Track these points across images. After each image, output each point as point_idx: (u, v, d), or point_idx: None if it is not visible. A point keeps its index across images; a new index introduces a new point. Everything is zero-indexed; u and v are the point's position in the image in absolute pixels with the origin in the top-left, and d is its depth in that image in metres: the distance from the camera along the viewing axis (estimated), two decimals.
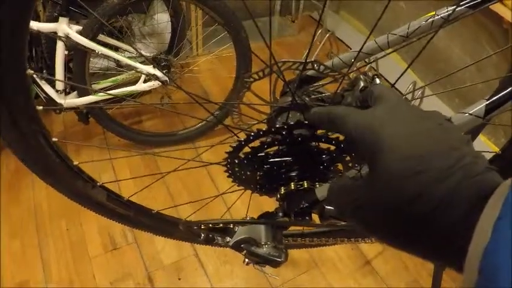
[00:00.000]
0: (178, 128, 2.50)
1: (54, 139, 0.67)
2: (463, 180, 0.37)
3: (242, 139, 0.60)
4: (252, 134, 0.60)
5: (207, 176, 2.23)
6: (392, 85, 0.69)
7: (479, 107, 0.63)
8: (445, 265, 0.39)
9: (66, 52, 2.03)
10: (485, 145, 2.52)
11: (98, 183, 0.78)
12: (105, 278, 1.89)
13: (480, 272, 0.32)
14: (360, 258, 2.04)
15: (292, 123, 0.59)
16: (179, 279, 1.91)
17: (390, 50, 0.77)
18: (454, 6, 0.69)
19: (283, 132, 0.60)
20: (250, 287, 1.88)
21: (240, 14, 2.17)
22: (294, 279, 1.90)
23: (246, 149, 0.63)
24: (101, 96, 2.18)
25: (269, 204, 0.80)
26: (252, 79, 0.66)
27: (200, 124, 2.50)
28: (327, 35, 2.95)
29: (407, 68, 0.63)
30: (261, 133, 0.60)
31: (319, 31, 3.04)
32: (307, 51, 0.59)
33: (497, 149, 2.28)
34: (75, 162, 0.73)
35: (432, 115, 0.44)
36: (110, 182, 0.79)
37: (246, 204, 0.84)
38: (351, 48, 3.34)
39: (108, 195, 0.81)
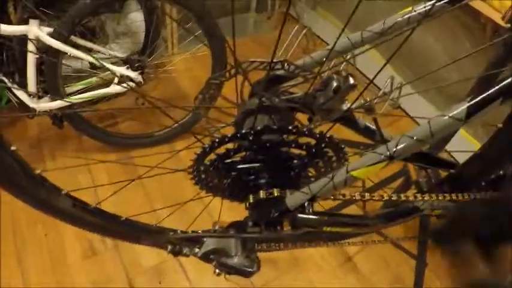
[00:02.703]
0: (155, 129, 2.46)
1: (12, 148, 0.64)
2: None
3: (206, 145, 0.57)
4: (217, 140, 0.57)
5: (186, 179, 2.17)
6: (371, 81, 0.67)
7: (460, 109, 0.61)
8: None
9: (38, 55, 1.98)
10: (464, 138, 2.51)
11: (63, 192, 0.75)
12: (85, 284, 1.85)
13: None
14: (341, 255, 2.03)
15: (259, 128, 0.56)
16: (159, 283, 1.88)
17: (366, 47, 0.74)
18: (433, 2, 0.67)
19: (250, 138, 0.57)
20: (232, 286, 1.86)
21: (215, 11, 2.14)
22: (275, 279, 1.88)
23: (213, 156, 0.60)
24: (74, 100, 2.13)
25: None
26: (217, 81, 0.63)
27: (176, 125, 2.46)
28: (304, 31, 2.94)
29: (385, 64, 0.61)
30: (227, 139, 0.57)
31: (295, 27, 3.02)
32: (276, 49, 0.57)
33: (475, 142, 2.28)
34: (37, 171, 0.70)
35: None
36: (75, 190, 0.76)
37: (224, 204, 0.81)
38: (328, 44, 3.34)
39: (74, 204, 0.78)
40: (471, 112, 0.60)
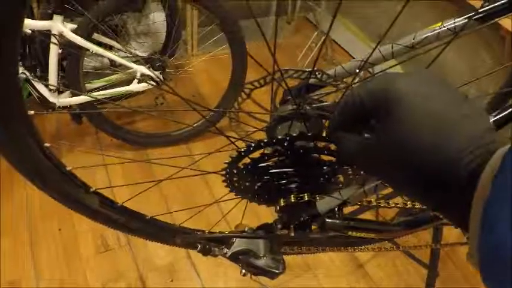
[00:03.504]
0: (172, 128, 2.48)
1: (46, 144, 0.65)
2: (467, 141, 0.38)
3: (242, 150, 0.59)
4: (253, 144, 0.58)
5: (202, 182, 2.21)
6: (373, 75, 0.68)
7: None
8: (455, 224, 0.42)
9: (60, 50, 2.01)
10: None
11: (91, 189, 0.76)
12: (96, 279, 1.87)
13: (482, 225, 0.34)
14: (353, 261, 2.03)
15: (294, 134, 0.57)
16: (171, 281, 1.89)
17: (394, 61, 0.75)
18: (464, 18, 0.68)
19: (285, 144, 0.58)
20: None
21: (236, 13, 2.15)
22: (287, 283, 1.88)
23: (245, 159, 0.61)
24: (94, 96, 2.15)
25: (265, 211, 0.78)
26: (252, 87, 0.65)
27: (194, 125, 2.48)
28: (323, 38, 2.95)
29: None
30: (262, 144, 0.58)
31: (315, 33, 3.03)
32: (317, 60, 0.58)
33: None
34: (68, 168, 0.71)
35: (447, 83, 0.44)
36: (103, 188, 0.77)
37: (242, 211, 0.82)
38: (346, 51, 3.34)
39: (101, 201, 0.79)
40: (498, 126, 0.62)
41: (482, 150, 0.38)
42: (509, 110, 0.62)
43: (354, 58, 2.26)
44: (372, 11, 3.19)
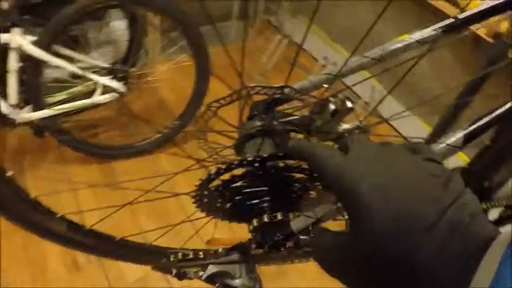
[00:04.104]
0: (136, 139, 2.45)
1: (8, 174, 0.63)
2: (448, 237, 0.35)
3: (212, 172, 0.57)
4: (224, 167, 0.57)
5: (174, 198, 2.15)
6: (349, 87, 0.68)
7: (458, 136, 0.63)
8: None
9: (19, 64, 1.95)
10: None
11: (58, 215, 0.74)
12: None
13: None
14: None
15: (265, 155, 0.56)
16: None
17: (367, 74, 0.75)
18: (432, 30, 0.68)
19: (256, 165, 0.57)
20: None
21: (197, 19, 2.14)
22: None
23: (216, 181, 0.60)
24: (56, 110, 2.10)
25: (239, 226, 0.78)
26: (219, 104, 0.64)
27: (158, 135, 2.46)
28: (286, 41, 2.96)
29: (388, 93, 0.62)
30: (234, 166, 0.57)
31: (277, 36, 3.03)
32: (288, 77, 0.57)
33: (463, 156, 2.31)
34: (32, 196, 0.69)
35: (411, 159, 0.42)
36: (71, 213, 0.76)
37: (215, 228, 0.81)
38: (309, 53, 3.35)
39: (69, 226, 0.77)
40: (468, 139, 0.62)
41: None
42: (479, 124, 0.62)
43: (317, 60, 2.27)
44: (335, 12, 3.21)
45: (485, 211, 1.06)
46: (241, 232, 0.74)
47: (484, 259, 0.33)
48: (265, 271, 0.77)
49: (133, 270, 1.93)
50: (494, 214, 1.10)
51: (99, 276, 1.91)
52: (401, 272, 0.36)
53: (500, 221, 1.06)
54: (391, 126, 2.71)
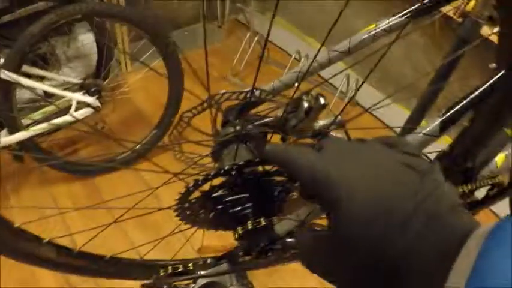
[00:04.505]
0: (117, 152, 2.42)
1: None
2: (425, 228, 0.35)
3: (190, 185, 0.57)
4: (201, 178, 0.56)
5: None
6: (326, 80, 0.68)
7: (434, 124, 0.63)
8: None
9: None
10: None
11: (44, 240, 0.73)
12: None
13: None
14: None
15: (241, 163, 0.56)
16: None
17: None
18: (397, 18, 0.69)
19: (233, 173, 0.57)
20: None
21: (166, 25, 2.13)
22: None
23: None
24: (33, 131, 2.08)
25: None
26: (191, 114, 0.63)
27: (137, 147, 2.45)
28: (256, 38, 2.95)
29: (362, 83, 0.62)
30: (211, 177, 0.57)
31: (248, 34, 3.02)
32: (255, 82, 0.57)
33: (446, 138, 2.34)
34: (16, 224, 0.68)
35: (387, 152, 0.42)
36: (58, 237, 0.75)
37: (205, 234, 0.81)
38: (281, 48, 3.35)
39: (58, 251, 0.76)
40: (445, 126, 0.62)
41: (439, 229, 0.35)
42: (456, 108, 0.62)
43: (290, 55, 2.26)
44: (303, 6, 3.21)
45: (472, 191, 1.06)
46: (231, 237, 0.74)
47: (462, 253, 0.33)
48: (258, 270, 0.76)
49: (128, 282, 1.91)
50: (481, 193, 1.11)
51: None
52: (378, 266, 0.37)
53: (487, 200, 1.07)
54: (372, 115, 2.72)
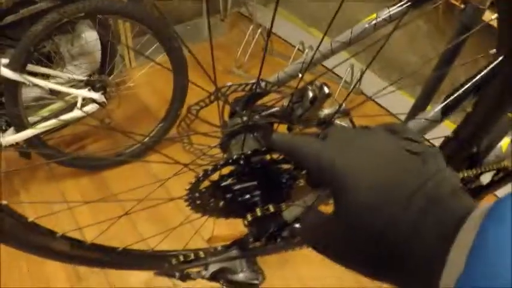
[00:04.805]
0: (125, 146, 2.44)
1: (3, 202, 0.63)
2: (426, 209, 0.37)
3: (200, 175, 0.58)
4: (210, 168, 0.58)
5: (171, 202, 2.11)
6: (330, 70, 0.69)
7: (435, 110, 0.64)
8: None
9: None
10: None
11: (58, 234, 0.75)
12: None
13: None
14: None
15: (249, 152, 0.57)
16: None
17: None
18: (398, 6, 0.69)
19: (242, 162, 0.58)
20: None
21: (169, 19, 2.13)
22: (269, 279, 1.88)
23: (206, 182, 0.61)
24: (40, 128, 2.10)
25: (238, 221, 0.79)
26: (198, 107, 0.64)
27: (145, 140, 2.46)
28: (259, 30, 2.96)
29: (365, 71, 0.63)
30: (219, 166, 0.58)
31: (251, 27, 3.03)
32: (260, 73, 0.58)
33: (451, 124, 2.34)
34: (30, 219, 0.69)
35: (390, 139, 0.43)
36: (70, 230, 0.76)
37: (212, 222, 0.82)
38: (285, 40, 3.35)
39: (71, 244, 0.78)
40: (446, 112, 0.63)
41: (439, 211, 0.36)
42: (456, 95, 0.63)
43: (294, 46, 2.27)
44: None
45: (477, 176, 1.07)
46: (240, 226, 0.76)
47: (460, 233, 0.34)
48: (269, 259, 0.78)
49: (137, 275, 1.93)
50: (486, 178, 1.11)
51: (102, 286, 1.92)
52: (381, 249, 0.38)
53: (492, 185, 1.07)
54: (377, 103, 2.72)
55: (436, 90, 1.48)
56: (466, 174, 1.00)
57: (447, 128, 0.79)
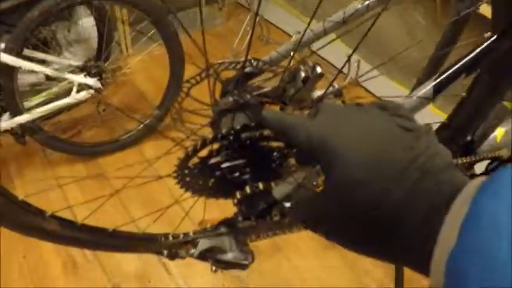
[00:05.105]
0: (120, 133, 2.44)
1: None
2: (418, 182, 0.36)
3: (189, 150, 0.58)
4: (199, 143, 0.57)
5: (160, 183, 2.11)
6: (340, 70, 0.69)
7: (427, 88, 0.63)
8: (413, 269, 0.38)
9: None
10: (430, 110, 2.56)
11: (48, 214, 0.74)
12: None
13: (446, 276, 0.31)
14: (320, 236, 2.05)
15: (238, 127, 0.57)
16: (149, 281, 1.88)
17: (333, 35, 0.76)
18: None
19: (231, 138, 0.58)
20: (219, 279, 1.87)
21: (167, 7, 2.13)
22: (259, 266, 1.90)
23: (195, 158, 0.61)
24: (35, 114, 2.09)
25: (227, 202, 0.79)
26: (190, 84, 0.64)
27: (141, 126, 2.45)
28: (256, 20, 2.95)
29: (352, 53, 0.63)
30: (208, 141, 0.58)
31: (248, 16, 3.02)
32: (248, 49, 0.58)
33: (441, 113, 2.32)
34: (20, 197, 0.69)
35: (382, 115, 0.43)
36: (60, 210, 0.76)
37: (203, 206, 0.82)
38: (281, 29, 3.34)
39: (61, 224, 0.77)
40: (437, 90, 0.63)
41: (433, 182, 0.36)
42: (448, 73, 0.63)
43: (289, 35, 2.27)
44: None
45: (471, 164, 1.07)
46: (231, 211, 0.76)
47: (453, 206, 0.34)
48: (261, 247, 0.78)
49: (130, 262, 1.94)
50: (480, 167, 1.11)
51: (98, 272, 1.92)
52: (371, 219, 0.38)
53: (487, 174, 1.07)
54: (371, 93, 2.71)
55: (439, 69, 1.47)
56: (460, 162, 1.00)
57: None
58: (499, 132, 1.14)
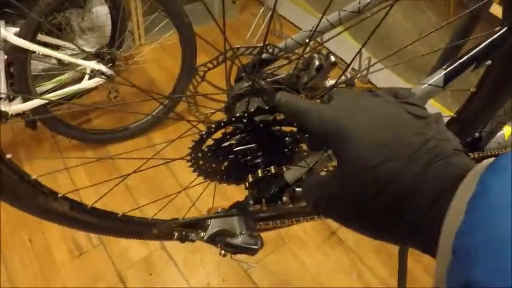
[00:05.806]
0: (130, 121, 2.45)
1: (8, 156, 0.64)
2: (429, 164, 0.37)
3: (203, 132, 0.59)
4: (213, 126, 0.58)
5: (167, 171, 2.18)
6: (349, 65, 0.70)
7: (438, 76, 0.64)
8: (420, 250, 0.39)
9: (6, 56, 1.95)
10: (437, 108, 2.56)
11: (59, 195, 0.75)
12: (75, 284, 1.85)
13: (453, 253, 0.31)
14: (325, 230, 2.06)
15: (252, 110, 0.58)
16: (150, 274, 1.88)
17: (342, 28, 0.77)
18: None
19: (245, 121, 0.59)
20: (222, 273, 1.88)
21: None
22: (263, 260, 1.91)
23: (208, 142, 0.61)
24: (46, 99, 2.11)
25: (234, 192, 0.79)
26: (206, 68, 0.65)
27: (153, 113, 2.46)
28: (270, 13, 2.95)
29: (362, 46, 0.64)
30: (222, 124, 0.59)
31: (261, 10, 3.03)
32: (266, 35, 0.59)
33: (449, 112, 2.32)
34: (33, 176, 0.70)
35: (393, 101, 0.44)
36: (71, 191, 0.76)
37: (210, 195, 0.83)
38: (294, 25, 3.34)
39: (71, 206, 0.78)
40: (448, 78, 0.63)
41: (442, 163, 0.37)
42: (459, 62, 0.63)
43: (301, 30, 2.26)
44: None
45: (478, 161, 1.07)
46: (241, 198, 0.76)
47: (461, 186, 0.34)
48: (265, 240, 0.78)
49: (136, 250, 1.95)
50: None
51: (103, 258, 1.94)
52: (381, 200, 0.39)
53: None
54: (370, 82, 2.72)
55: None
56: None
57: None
58: (507, 131, 1.14)
